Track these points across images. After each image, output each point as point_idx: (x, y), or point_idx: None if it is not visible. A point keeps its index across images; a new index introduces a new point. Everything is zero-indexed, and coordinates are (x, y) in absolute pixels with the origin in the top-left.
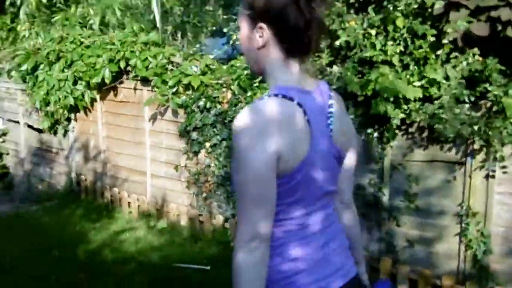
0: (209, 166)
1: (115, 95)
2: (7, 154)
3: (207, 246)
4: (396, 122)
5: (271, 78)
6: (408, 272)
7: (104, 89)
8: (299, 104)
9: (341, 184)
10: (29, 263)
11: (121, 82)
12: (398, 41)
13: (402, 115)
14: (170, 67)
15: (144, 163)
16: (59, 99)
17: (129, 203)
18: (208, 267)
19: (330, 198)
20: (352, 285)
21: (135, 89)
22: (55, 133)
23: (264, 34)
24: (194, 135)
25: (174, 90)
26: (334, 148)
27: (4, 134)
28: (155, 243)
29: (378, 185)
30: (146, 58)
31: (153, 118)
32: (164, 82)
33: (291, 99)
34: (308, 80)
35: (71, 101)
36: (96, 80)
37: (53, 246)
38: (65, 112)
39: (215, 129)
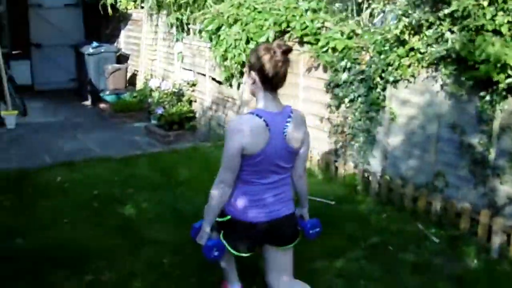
0: (346, 118)
1: None
2: (195, 101)
3: (337, 187)
4: (503, 86)
5: (257, 102)
6: (503, 225)
7: None
8: (264, 120)
9: (296, 164)
10: (198, 179)
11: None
12: (507, 12)
13: (509, 80)
14: (323, 31)
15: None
16: (234, 56)
17: None
18: (333, 202)
19: (280, 169)
20: (278, 221)
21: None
22: (231, 85)
23: (253, 77)
24: (336, 90)
25: (324, 50)
26: (286, 145)
27: (194, 84)
28: None
29: (486, 145)
30: (304, 22)
31: (306, 73)
32: (316, 42)
33: (260, 117)
34: (278, 104)
35: (243, 58)
36: (262, 39)
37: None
38: (239, 67)
39: (353, 87)
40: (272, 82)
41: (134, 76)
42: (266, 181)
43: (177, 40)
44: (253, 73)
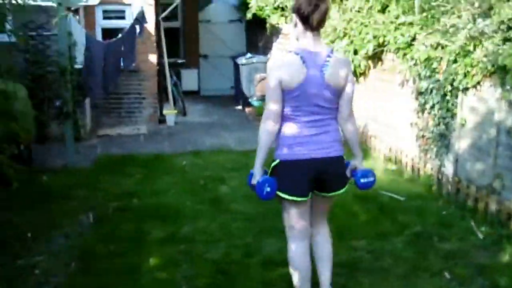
0: (427, 124)
1: (381, 64)
2: None
3: (415, 186)
4: None
5: (298, 42)
6: None
7: (369, 59)
8: (301, 57)
9: (341, 106)
10: None
11: (381, 53)
12: None
13: None
14: (414, 42)
15: (392, 118)
16: None
17: (379, 149)
18: (403, 199)
19: (321, 109)
20: (328, 160)
21: (392, 60)
22: None
23: (294, 19)
24: (420, 98)
25: (412, 62)
26: (324, 83)
27: None
28: (381, 178)
29: None
30: (396, 36)
31: (401, 83)
32: (405, 55)
33: (296, 53)
34: (318, 44)
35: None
36: (362, 52)
37: None
38: None
39: (432, 94)
40: (309, 20)
41: None
42: (308, 118)
43: None
44: (293, 16)
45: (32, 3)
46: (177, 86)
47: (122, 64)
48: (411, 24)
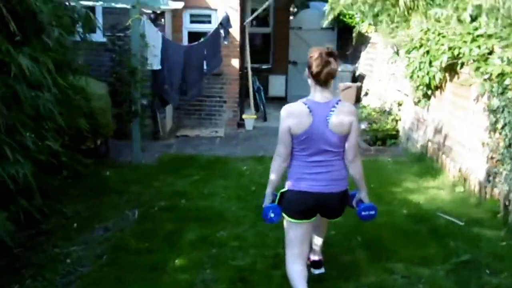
0: (498, 144)
1: (457, 77)
2: (400, 120)
3: (477, 211)
4: None
5: (310, 93)
6: None
7: (445, 71)
8: (308, 107)
9: (346, 150)
10: None
11: (457, 66)
12: None
13: None
14: (489, 56)
15: (465, 136)
16: (418, 77)
17: (449, 168)
18: (462, 223)
19: (327, 152)
20: (326, 195)
21: (468, 74)
22: (422, 105)
23: (308, 73)
24: (491, 116)
25: (486, 76)
26: (328, 130)
27: (400, 104)
28: (445, 200)
29: None
30: (471, 49)
31: (476, 99)
32: (478, 68)
33: (305, 104)
34: (326, 96)
35: (427, 80)
36: (436, 63)
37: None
38: (424, 88)
39: (503, 113)
40: (318, 77)
41: (366, 94)
42: (313, 159)
43: (392, 62)
44: (306, 71)
45: (115, 5)
46: (260, 92)
47: (205, 67)
48: (490, 36)
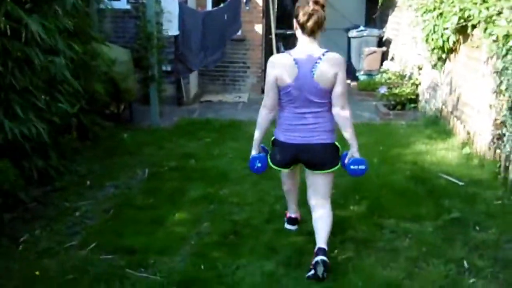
0: (502, 107)
1: (470, 39)
2: (420, 84)
3: (480, 172)
4: None
5: (297, 45)
6: None
7: (459, 34)
8: (294, 58)
9: (333, 101)
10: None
11: (470, 28)
12: None
13: None
14: (497, 18)
15: (475, 99)
16: (432, 40)
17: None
18: (462, 183)
19: (313, 103)
20: (308, 146)
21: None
22: (438, 69)
23: (295, 24)
24: (496, 78)
25: (493, 38)
26: (314, 82)
27: (420, 68)
28: (451, 161)
29: None
30: (480, 10)
31: (486, 61)
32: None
33: (291, 55)
34: (312, 47)
35: (440, 42)
36: (447, 25)
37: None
38: (440, 52)
39: (507, 75)
40: (304, 26)
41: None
42: (299, 110)
43: (414, 26)
44: (294, 21)
45: None
46: None
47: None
48: None
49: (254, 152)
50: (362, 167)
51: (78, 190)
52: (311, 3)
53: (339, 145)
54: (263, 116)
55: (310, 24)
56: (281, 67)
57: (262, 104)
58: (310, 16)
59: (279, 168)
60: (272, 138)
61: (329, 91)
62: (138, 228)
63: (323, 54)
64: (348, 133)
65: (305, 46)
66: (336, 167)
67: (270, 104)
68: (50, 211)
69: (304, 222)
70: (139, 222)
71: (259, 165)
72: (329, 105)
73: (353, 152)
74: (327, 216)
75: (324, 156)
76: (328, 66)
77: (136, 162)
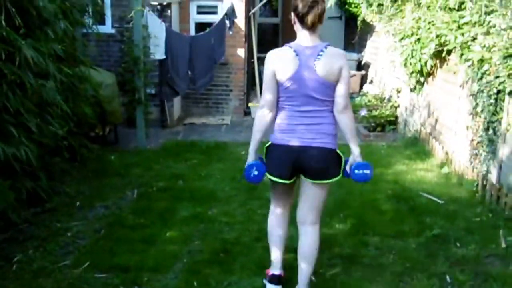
0: (478, 128)
1: (446, 64)
2: (399, 106)
3: (458, 190)
4: None
5: (297, 38)
6: None
7: (436, 58)
8: (294, 50)
9: (336, 100)
10: None
11: (447, 53)
12: None
13: None
14: (472, 43)
15: (452, 121)
16: (411, 64)
17: (437, 151)
18: (442, 202)
19: (314, 100)
20: (308, 149)
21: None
22: (416, 92)
23: (292, 18)
24: (472, 100)
25: (469, 63)
26: (316, 76)
27: (399, 91)
28: (430, 180)
29: None
30: (456, 36)
31: (462, 85)
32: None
33: (290, 47)
34: (312, 40)
35: (418, 67)
36: (425, 51)
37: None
38: (418, 75)
39: (482, 97)
40: (304, 20)
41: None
42: (299, 108)
43: (392, 50)
44: (292, 15)
45: None
46: None
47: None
48: (475, 23)
49: (250, 159)
50: (367, 171)
51: (69, 211)
52: None
53: (342, 155)
54: (262, 116)
55: (310, 16)
56: (280, 60)
57: (260, 104)
58: (310, 8)
59: (276, 179)
60: (266, 145)
61: (332, 87)
62: (130, 247)
63: (325, 47)
64: (351, 136)
65: (305, 39)
66: (337, 178)
67: (269, 101)
68: (42, 231)
69: (293, 238)
70: (131, 241)
71: (255, 173)
72: (331, 104)
73: (356, 156)
74: (314, 242)
75: (326, 162)
76: (331, 59)
77: (124, 183)
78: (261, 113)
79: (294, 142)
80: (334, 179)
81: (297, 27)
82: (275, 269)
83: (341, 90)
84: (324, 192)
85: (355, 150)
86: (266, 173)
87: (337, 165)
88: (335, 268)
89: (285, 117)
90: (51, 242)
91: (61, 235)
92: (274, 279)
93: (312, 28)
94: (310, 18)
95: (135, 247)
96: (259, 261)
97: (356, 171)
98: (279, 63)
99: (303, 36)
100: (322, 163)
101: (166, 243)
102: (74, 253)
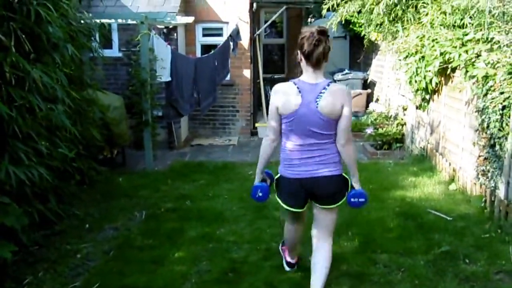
0: (485, 144)
1: (451, 81)
2: (405, 124)
3: (466, 207)
4: None
5: (302, 75)
6: None
7: (441, 76)
8: (298, 87)
9: (338, 133)
10: None
11: (451, 70)
12: None
13: None
14: (476, 60)
15: (458, 137)
16: (416, 81)
17: (444, 168)
18: (450, 218)
19: (317, 135)
20: (314, 179)
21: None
22: (422, 109)
23: (299, 55)
24: (478, 117)
25: (473, 80)
26: (318, 113)
27: (405, 109)
28: (438, 197)
29: None
30: (460, 54)
31: (467, 102)
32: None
33: (294, 84)
34: (316, 77)
35: (424, 84)
36: (430, 68)
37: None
38: (423, 93)
39: (488, 114)
40: (309, 58)
41: (377, 101)
42: (302, 142)
43: (397, 69)
44: (298, 52)
45: (125, 22)
46: None
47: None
48: (478, 40)
49: (257, 181)
50: (362, 199)
51: (78, 233)
52: (315, 33)
53: (348, 177)
54: (266, 145)
55: (315, 54)
56: (284, 95)
57: (266, 132)
58: (315, 46)
59: (289, 208)
60: (277, 176)
61: (335, 123)
62: (139, 267)
63: (328, 85)
64: (352, 166)
65: (310, 76)
66: (343, 200)
67: (274, 130)
68: (52, 253)
69: (302, 257)
70: (140, 261)
71: (260, 194)
72: (334, 136)
73: (354, 182)
74: (326, 259)
75: (333, 188)
76: (333, 97)
77: (133, 205)
78: (266, 143)
79: (302, 175)
80: (341, 202)
81: (303, 64)
82: (292, 257)
83: (343, 125)
84: (334, 214)
85: (355, 177)
86: (280, 202)
87: (344, 187)
88: (343, 286)
89: (290, 151)
90: (61, 264)
91: (71, 257)
92: (291, 265)
93: (317, 65)
94: (315, 56)
95: (144, 268)
96: (267, 280)
97: (352, 200)
98: (283, 98)
99: (308, 73)
100: (330, 189)
101: (174, 263)
102: (84, 274)
